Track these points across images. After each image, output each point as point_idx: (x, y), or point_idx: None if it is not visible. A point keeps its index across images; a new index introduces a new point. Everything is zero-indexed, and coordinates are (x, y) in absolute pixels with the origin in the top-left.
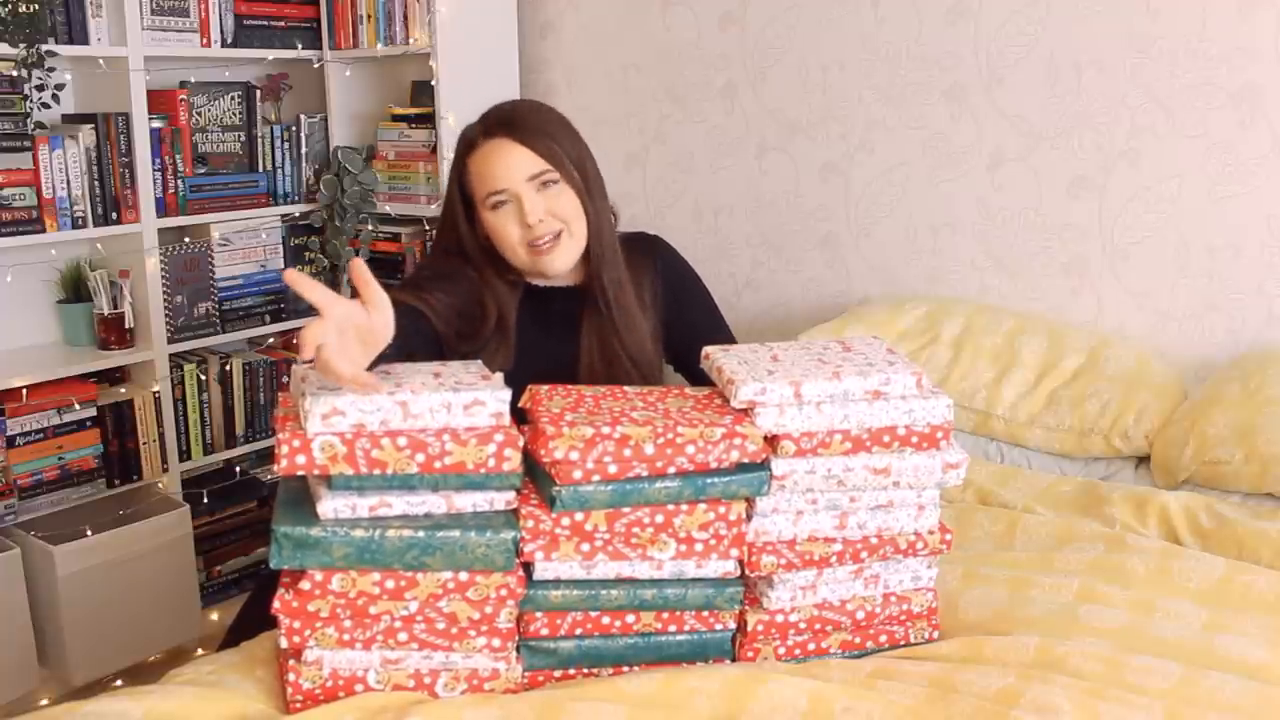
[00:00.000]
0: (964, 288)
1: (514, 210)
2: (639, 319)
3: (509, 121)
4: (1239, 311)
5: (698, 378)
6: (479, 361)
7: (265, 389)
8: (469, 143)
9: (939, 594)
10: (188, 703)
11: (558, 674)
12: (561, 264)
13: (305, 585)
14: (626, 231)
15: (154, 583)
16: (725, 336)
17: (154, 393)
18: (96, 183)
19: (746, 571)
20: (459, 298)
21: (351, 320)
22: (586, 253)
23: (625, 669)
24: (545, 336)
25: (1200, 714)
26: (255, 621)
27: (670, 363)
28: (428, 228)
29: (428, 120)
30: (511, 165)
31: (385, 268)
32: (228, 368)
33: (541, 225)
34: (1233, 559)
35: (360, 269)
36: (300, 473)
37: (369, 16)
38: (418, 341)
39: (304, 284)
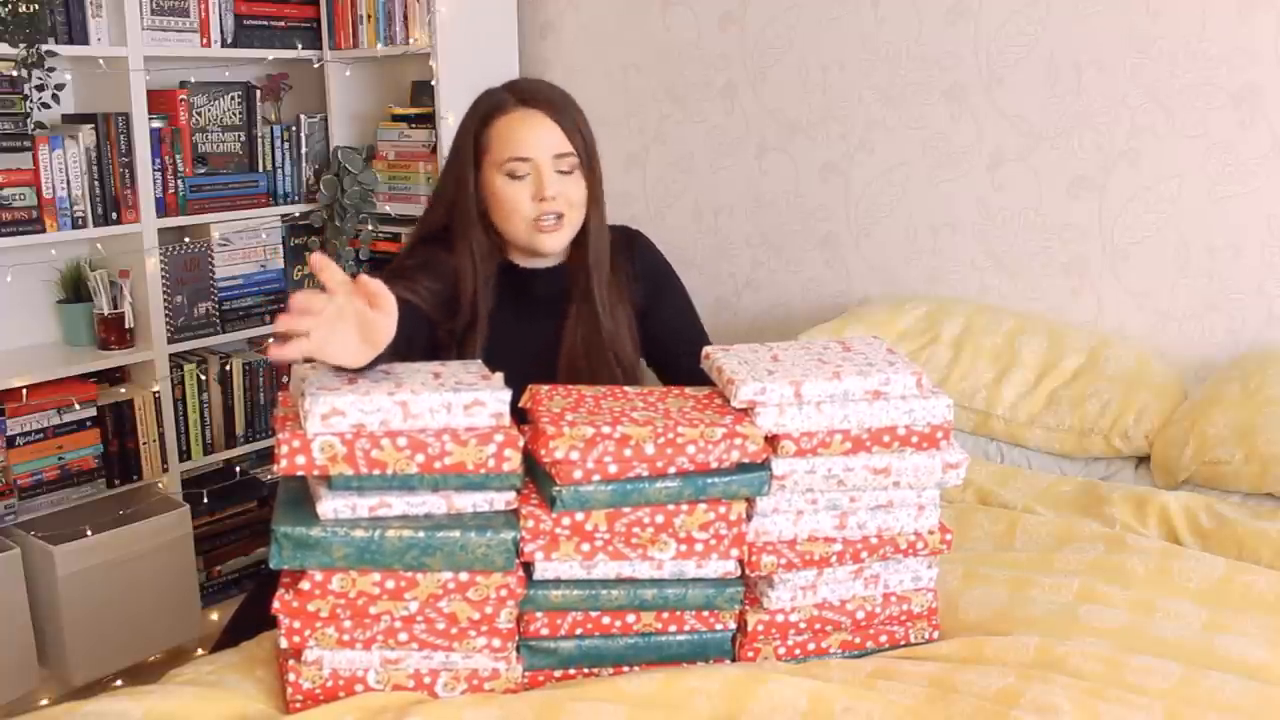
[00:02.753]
0: (964, 288)
1: (530, 183)
2: (620, 312)
3: (546, 98)
4: (1239, 311)
5: (671, 373)
6: (479, 361)
7: (265, 389)
8: (497, 105)
9: (939, 594)
10: (188, 703)
11: (558, 674)
12: (557, 244)
13: (305, 585)
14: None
15: (154, 583)
16: (699, 335)
17: (154, 393)
18: (96, 183)
19: (747, 571)
20: (442, 283)
21: (354, 309)
22: (575, 239)
23: (625, 669)
24: (524, 317)
25: (1200, 714)
26: (253, 622)
27: (644, 357)
28: None
29: (428, 120)
30: (542, 138)
31: (385, 267)
32: (228, 368)
33: (552, 203)
34: (1233, 559)
35: (368, 280)
36: (300, 473)
37: (369, 16)
38: (415, 330)
39: (328, 269)
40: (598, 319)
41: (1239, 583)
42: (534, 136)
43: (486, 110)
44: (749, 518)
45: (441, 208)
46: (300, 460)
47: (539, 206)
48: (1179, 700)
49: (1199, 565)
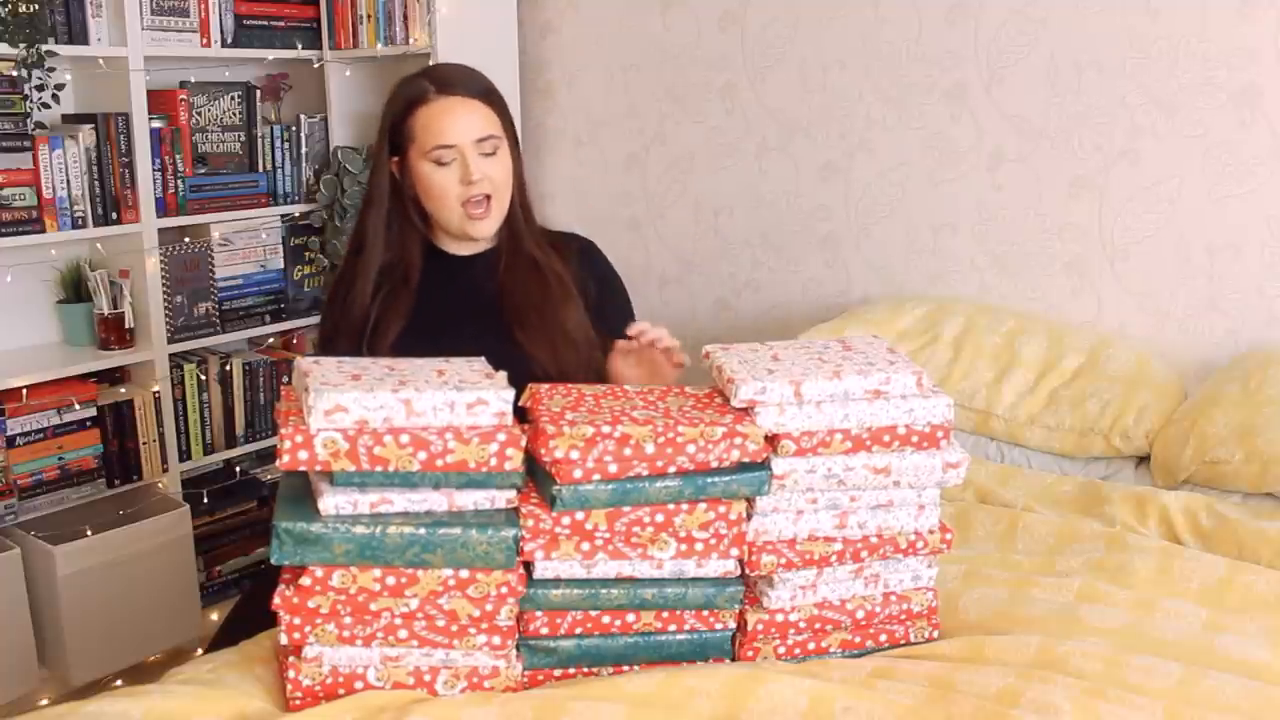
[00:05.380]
0: (964, 288)
1: (456, 168)
2: (573, 290)
3: (464, 82)
4: (1239, 311)
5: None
6: (482, 359)
7: (265, 389)
8: (418, 95)
9: (939, 593)
10: (187, 702)
11: (557, 673)
12: (489, 229)
13: (306, 581)
14: (557, 230)
15: (154, 583)
16: None
17: (154, 393)
18: (96, 183)
19: (746, 571)
20: (354, 322)
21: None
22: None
23: (625, 668)
24: (456, 301)
25: (1200, 714)
26: (252, 620)
27: None
28: None
29: None
30: (464, 125)
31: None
32: (228, 368)
33: (479, 186)
34: (1233, 559)
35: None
36: (302, 468)
37: (369, 16)
38: None
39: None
40: (545, 289)
41: (1239, 583)
42: (456, 124)
43: (407, 100)
44: (749, 517)
45: (368, 195)
46: (303, 455)
47: (466, 190)
48: (1179, 700)
49: (1199, 565)
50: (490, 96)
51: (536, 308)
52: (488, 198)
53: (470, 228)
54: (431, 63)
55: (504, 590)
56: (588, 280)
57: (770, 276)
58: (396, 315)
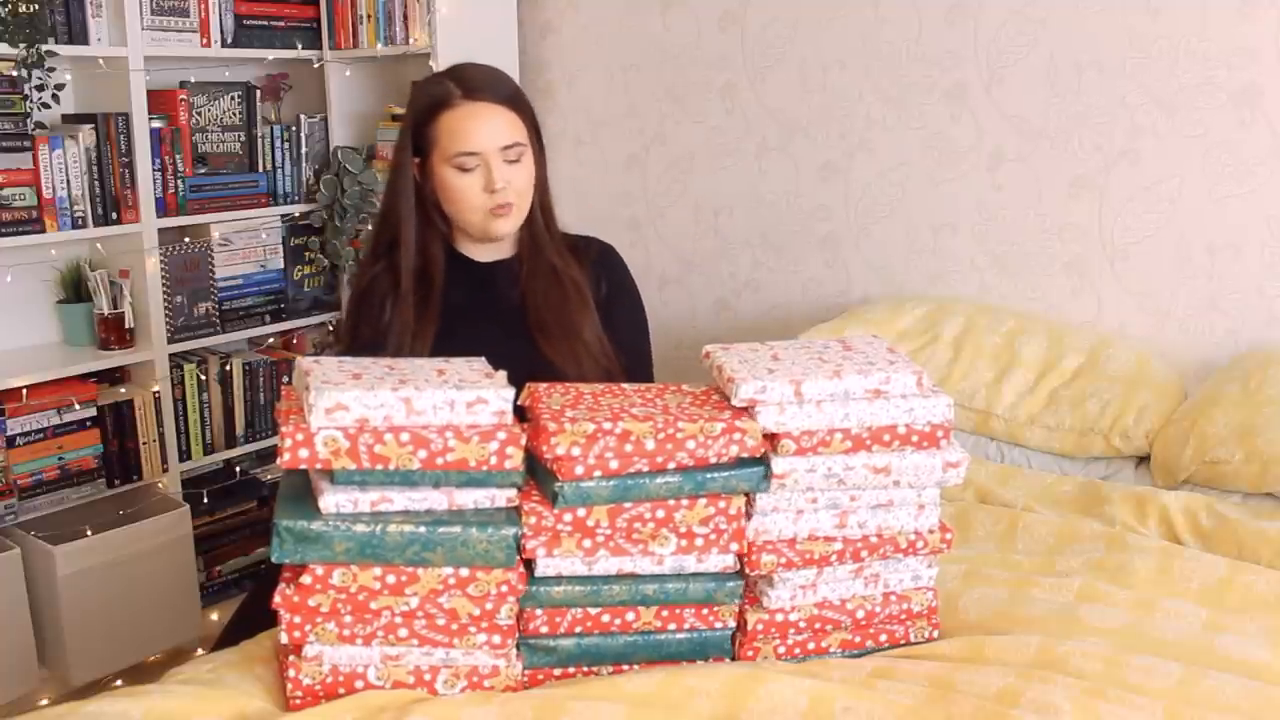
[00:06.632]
0: (964, 288)
1: (479, 175)
2: (589, 299)
3: (491, 86)
4: (1239, 311)
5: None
6: (482, 359)
7: (265, 389)
8: (443, 99)
9: (939, 593)
10: (187, 702)
11: (557, 672)
12: (511, 227)
13: (306, 580)
14: (578, 234)
15: (154, 583)
16: (641, 357)
17: (154, 393)
18: (96, 183)
19: (747, 570)
20: (401, 327)
21: None
22: (524, 225)
23: (625, 667)
24: (483, 307)
25: (1200, 714)
26: (255, 622)
27: None
28: None
29: None
30: (489, 132)
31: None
32: (228, 368)
33: (502, 194)
34: (1233, 559)
35: None
36: (303, 466)
37: (369, 16)
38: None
39: None
40: (563, 295)
41: (1239, 583)
42: (481, 131)
43: (432, 102)
44: (749, 514)
45: (391, 198)
46: (303, 454)
47: (490, 198)
48: (1179, 700)
49: (1199, 565)
50: (516, 101)
51: (556, 315)
52: (509, 204)
53: (492, 226)
54: (432, 63)
55: (504, 589)
56: (600, 280)
57: (770, 276)
58: (429, 320)
